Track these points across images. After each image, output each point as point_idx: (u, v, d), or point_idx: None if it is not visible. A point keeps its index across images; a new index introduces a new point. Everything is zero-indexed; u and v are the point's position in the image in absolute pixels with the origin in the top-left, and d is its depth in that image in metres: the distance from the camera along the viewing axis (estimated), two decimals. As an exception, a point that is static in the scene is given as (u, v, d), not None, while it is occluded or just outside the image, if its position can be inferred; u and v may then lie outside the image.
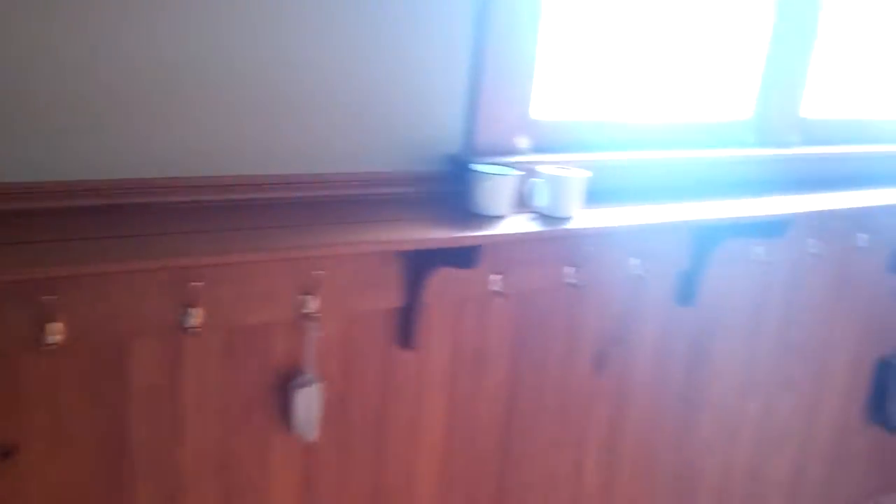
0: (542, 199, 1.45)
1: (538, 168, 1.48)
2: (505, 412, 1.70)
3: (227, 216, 1.28)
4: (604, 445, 1.90)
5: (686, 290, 1.88)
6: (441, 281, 1.48)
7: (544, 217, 1.45)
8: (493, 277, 1.55)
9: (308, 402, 1.36)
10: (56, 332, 1.12)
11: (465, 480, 1.69)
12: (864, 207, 1.89)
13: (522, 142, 1.59)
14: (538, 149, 1.61)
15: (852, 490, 2.50)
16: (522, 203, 1.48)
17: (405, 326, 1.50)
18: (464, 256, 1.37)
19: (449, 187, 1.51)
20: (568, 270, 1.65)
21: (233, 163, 1.31)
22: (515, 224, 1.41)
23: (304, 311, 1.35)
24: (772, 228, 1.81)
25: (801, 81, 1.98)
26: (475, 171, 1.41)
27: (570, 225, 1.44)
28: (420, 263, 1.44)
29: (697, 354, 1.98)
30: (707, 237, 1.81)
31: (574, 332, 1.76)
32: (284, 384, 1.38)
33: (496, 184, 1.39)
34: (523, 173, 1.45)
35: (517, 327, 1.66)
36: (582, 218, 1.48)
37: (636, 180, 1.75)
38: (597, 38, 1.74)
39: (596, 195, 1.59)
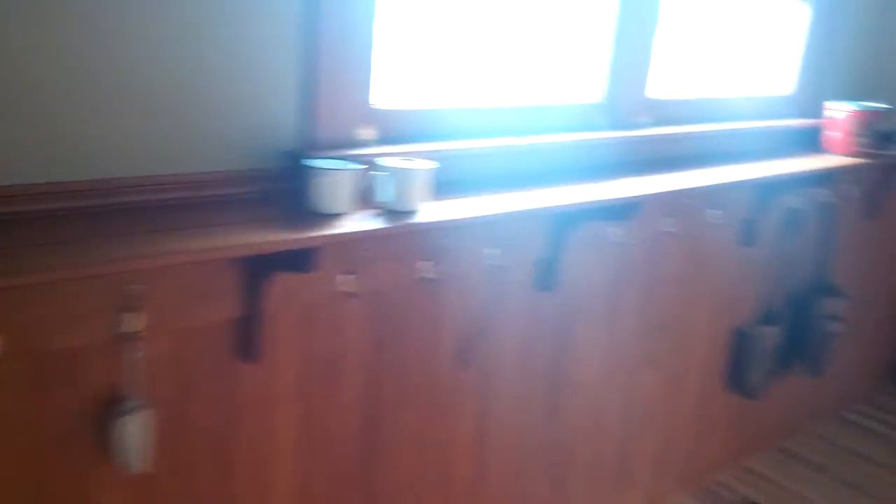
0: (386, 194, 1.37)
1: (381, 160, 1.39)
2: (366, 417, 1.62)
3: (34, 229, 1.12)
4: (473, 439, 1.86)
5: (546, 277, 1.86)
6: (283, 287, 1.37)
7: (389, 212, 1.37)
8: (341, 278, 1.46)
9: (133, 431, 1.22)
10: None
11: (326, 494, 1.60)
12: (713, 185, 1.93)
13: (366, 133, 1.50)
14: (384, 140, 1.52)
15: (716, 456, 2.60)
16: (366, 198, 1.39)
17: (246, 338, 1.38)
18: (302, 260, 1.27)
19: (287, 185, 1.39)
20: (423, 265, 1.58)
21: (42, 169, 1.15)
22: (356, 222, 1.32)
23: (124, 330, 1.20)
24: (626, 210, 1.81)
25: (646, 63, 1.99)
26: (310, 166, 1.31)
27: (416, 219, 1.37)
28: (257, 270, 1.32)
29: (561, 339, 1.98)
30: (563, 223, 1.79)
31: (435, 327, 1.70)
32: (105, 413, 1.23)
33: (334, 179, 1.29)
34: (364, 167, 1.36)
35: (375, 328, 1.58)
36: (429, 211, 1.41)
37: (487, 168, 1.70)
38: (442, 22, 1.66)
39: (446, 185, 1.52)
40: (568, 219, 1.77)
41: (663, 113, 2.08)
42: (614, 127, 1.96)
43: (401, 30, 1.58)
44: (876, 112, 2.26)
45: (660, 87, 2.08)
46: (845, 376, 3.00)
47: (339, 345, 1.52)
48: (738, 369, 2.49)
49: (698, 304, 2.33)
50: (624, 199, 1.74)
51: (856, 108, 2.26)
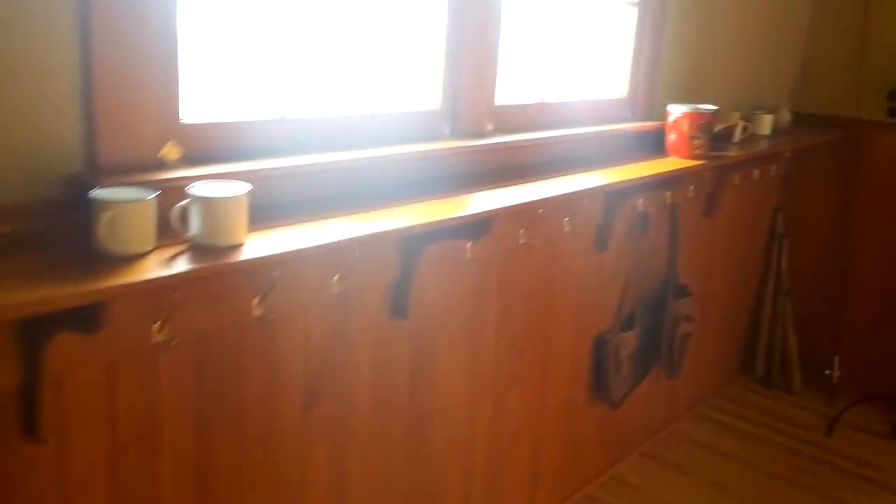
0: (194, 226, 1.15)
1: (191, 186, 1.18)
2: (195, 485, 1.38)
3: None
4: (329, 488, 1.66)
5: (398, 302, 1.70)
6: (70, 346, 1.11)
7: (200, 248, 1.16)
8: (149, 327, 1.22)
9: None
10: None
11: (151, 583, 1.34)
12: (567, 194, 1.85)
13: (170, 152, 1.27)
14: (193, 160, 1.30)
15: (587, 468, 2.55)
16: (172, 231, 1.16)
17: (28, 413, 1.11)
18: (89, 315, 1.03)
19: (72, 219, 1.14)
20: (253, 302, 1.37)
21: None
22: (157, 264, 1.09)
23: None
24: (479, 226, 1.70)
25: (493, 67, 1.89)
26: (94, 198, 1.07)
27: (234, 256, 1.16)
28: (31, 331, 1.06)
29: (420, 367, 1.82)
30: (413, 244, 1.64)
31: (274, 370, 1.49)
32: None
33: (122, 213, 1.06)
34: (162, 193, 1.14)
35: (198, 380, 1.35)
36: (250, 244, 1.20)
37: (318, 187, 1.52)
38: (259, 27, 1.46)
39: (270, 209, 1.33)
40: (418, 239, 1.62)
41: (508, 120, 1.99)
42: (460, 136, 1.83)
43: (214, 36, 1.37)
44: (707, 113, 2.30)
45: (503, 92, 1.98)
46: (699, 373, 3.07)
47: (152, 407, 1.28)
48: (601, 378, 2.45)
49: (559, 316, 2.26)
50: (477, 214, 1.61)
51: (689, 111, 2.28)
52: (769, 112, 2.92)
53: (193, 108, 1.32)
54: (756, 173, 3.02)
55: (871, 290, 3.21)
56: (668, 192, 2.46)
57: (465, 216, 1.54)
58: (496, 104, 1.93)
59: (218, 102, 1.41)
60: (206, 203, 1.13)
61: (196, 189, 1.15)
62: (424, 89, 1.81)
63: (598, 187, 1.99)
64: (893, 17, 3.03)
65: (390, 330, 1.71)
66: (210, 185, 1.17)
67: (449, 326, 1.87)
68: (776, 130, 2.96)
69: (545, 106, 2.13)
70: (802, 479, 2.69)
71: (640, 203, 2.39)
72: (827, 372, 3.24)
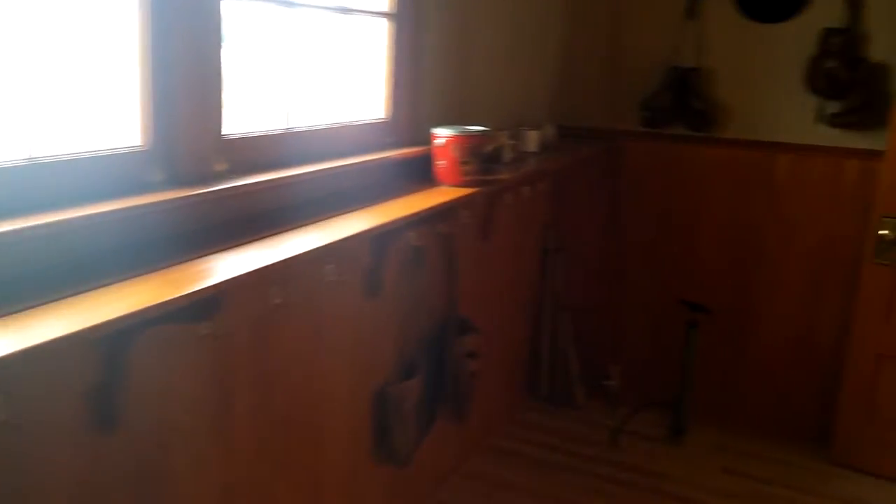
0: None
1: None
2: None
3: None
4: None
5: (103, 412, 1.26)
6: None
7: None
8: None
9: None
10: None
11: None
12: (320, 247, 1.50)
13: None
14: None
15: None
16: None
17: None
18: None
19: None
20: None
21: None
22: None
23: None
24: (209, 302, 1.30)
25: (214, 91, 1.50)
26: None
27: None
28: None
29: (143, 487, 1.39)
30: (116, 338, 1.21)
31: None
32: None
33: None
34: None
35: None
36: None
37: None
38: None
39: None
40: (121, 333, 1.19)
41: (245, 156, 1.61)
42: (178, 182, 1.43)
43: None
44: (476, 136, 2.09)
45: (239, 122, 1.61)
46: (487, 405, 2.90)
47: None
48: (385, 438, 2.16)
49: (331, 377, 1.93)
50: (199, 292, 1.22)
51: (457, 134, 2.06)
52: (535, 128, 2.82)
53: None
54: (527, 191, 2.92)
55: (644, 296, 3.26)
56: (443, 223, 2.23)
57: (180, 297, 1.15)
58: (225, 137, 1.55)
59: None
60: None
61: None
62: (124, 124, 1.38)
63: (363, 233, 1.68)
64: (643, 30, 3.09)
65: (94, 448, 1.27)
66: None
67: (182, 427, 1.46)
68: (543, 146, 2.87)
69: (293, 135, 1.78)
70: (595, 502, 2.62)
71: (413, 238, 2.13)
72: (606, 383, 3.25)
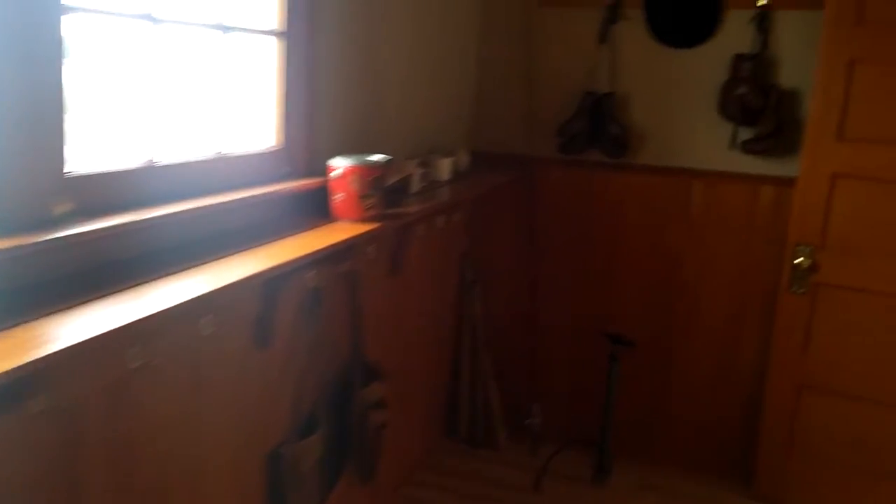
0: None
1: None
2: None
3: None
4: None
5: None
6: None
7: None
8: None
9: None
10: None
11: None
12: (182, 303, 1.28)
13: None
14: None
15: None
16: None
17: None
18: None
19: None
20: None
21: None
22: None
23: None
24: (38, 377, 1.07)
25: (54, 121, 1.26)
26: None
27: None
28: None
29: None
30: None
31: None
32: None
33: None
34: None
35: None
36: None
37: None
38: None
39: None
40: None
41: (95, 196, 1.38)
42: (5, 230, 1.19)
43: None
44: (377, 167, 1.91)
45: (87, 158, 1.37)
46: (401, 448, 2.70)
47: None
48: (279, 502, 1.92)
49: (212, 444, 1.69)
50: (20, 369, 0.98)
51: (356, 164, 1.88)
52: (447, 155, 2.67)
53: None
54: (441, 221, 2.75)
55: (564, 328, 3.13)
56: (345, 262, 2.03)
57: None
58: (69, 175, 1.31)
59: None
60: None
61: None
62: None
63: (245, 279, 1.46)
64: (558, 55, 2.99)
65: None
66: None
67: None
68: (456, 173, 2.72)
69: (158, 170, 1.55)
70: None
71: (310, 278, 1.92)
72: (528, 421, 3.09)
